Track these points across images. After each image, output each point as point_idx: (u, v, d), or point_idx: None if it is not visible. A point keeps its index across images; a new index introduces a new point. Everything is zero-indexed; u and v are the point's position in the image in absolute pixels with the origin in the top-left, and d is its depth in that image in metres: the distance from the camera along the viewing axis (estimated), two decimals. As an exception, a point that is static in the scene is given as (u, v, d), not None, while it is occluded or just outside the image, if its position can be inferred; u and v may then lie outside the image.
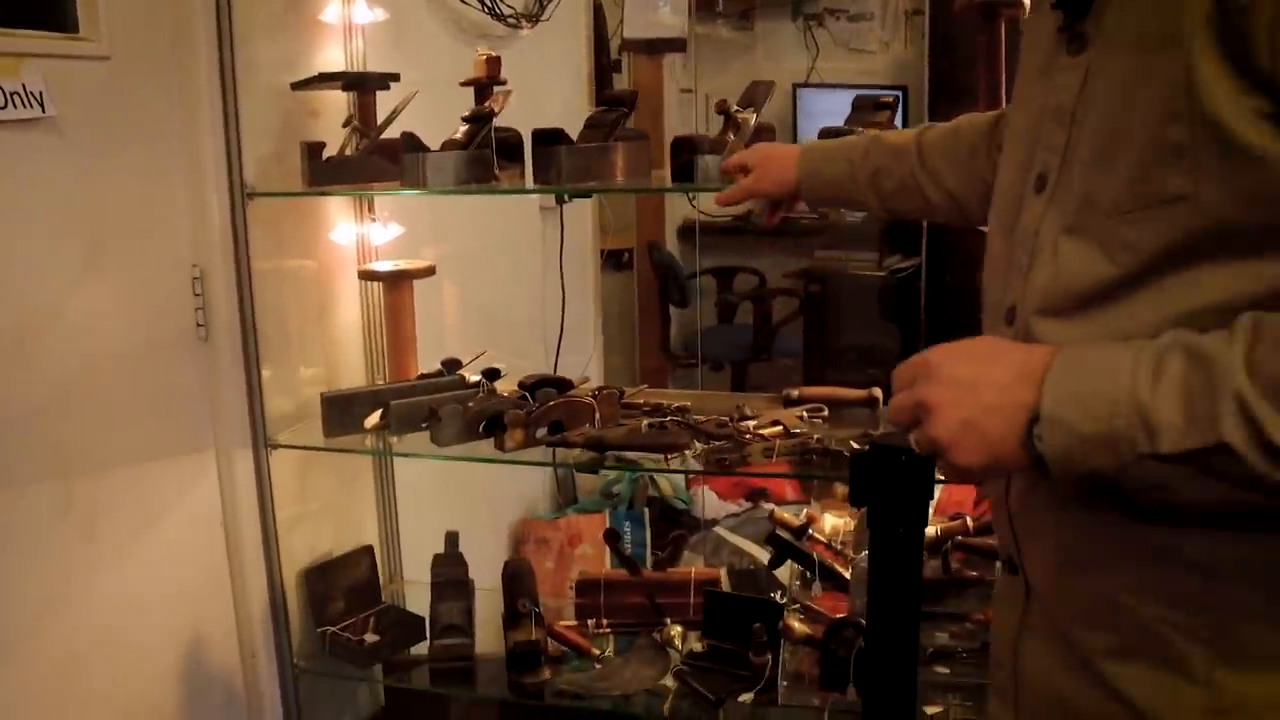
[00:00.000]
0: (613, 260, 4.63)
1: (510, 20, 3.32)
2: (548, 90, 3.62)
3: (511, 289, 3.44)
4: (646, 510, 3.40)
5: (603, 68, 4.27)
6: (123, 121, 1.95)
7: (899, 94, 5.09)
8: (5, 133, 1.70)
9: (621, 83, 4.56)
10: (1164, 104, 0.93)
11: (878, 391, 2.27)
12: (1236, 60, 0.89)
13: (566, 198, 3.73)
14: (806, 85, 5.49)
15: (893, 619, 1.15)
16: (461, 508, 2.87)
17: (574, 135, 2.20)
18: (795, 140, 5.06)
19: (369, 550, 2.53)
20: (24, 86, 1.71)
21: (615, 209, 4.54)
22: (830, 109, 5.16)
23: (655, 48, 4.73)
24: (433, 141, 2.20)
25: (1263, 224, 0.90)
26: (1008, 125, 1.23)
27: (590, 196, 4.01)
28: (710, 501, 3.47)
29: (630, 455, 2.16)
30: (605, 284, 4.41)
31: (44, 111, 1.75)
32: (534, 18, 3.49)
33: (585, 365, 3.74)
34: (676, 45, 4.83)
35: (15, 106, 1.69)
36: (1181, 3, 0.92)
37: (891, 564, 1.13)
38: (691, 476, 3.62)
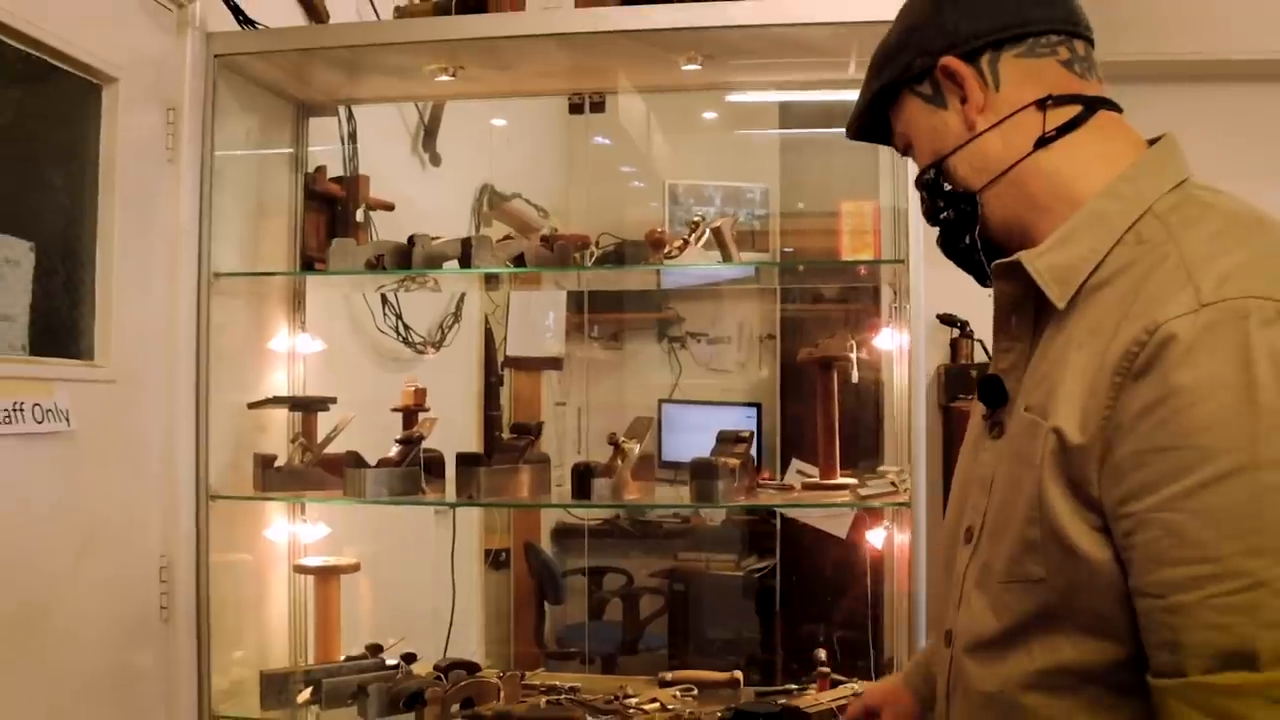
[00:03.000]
0: (492, 558, 5.01)
1: (419, 347, 3.82)
2: (446, 404, 4.09)
3: (409, 581, 3.80)
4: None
5: (490, 385, 4.79)
6: (118, 433, 2.33)
7: (755, 409, 5.73)
8: (39, 443, 2.08)
9: (504, 396, 5.06)
10: (1026, 509, 1.18)
11: (738, 674, 2.69)
12: (1073, 486, 1.13)
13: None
14: (671, 401, 6.05)
15: None
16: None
17: (465, 444, 2.64)
18: (660, 453, 5.61)
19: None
20: (55, 404, 2.11)
21: (497, 512, 4.95)
22: (693, 423, 5.75)
23: (534, 365, 5.27)
24: (357, 448, 2.64)
25: (1096, 611, 1.12)
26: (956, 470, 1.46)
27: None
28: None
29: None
30: (486, 581, 4.78)
31: (69, 425, 2.14)
32: (437, 344, 4.00)
33: (472, 654, 4.07)
34: (554, 364, 5.40)
35: (49, 421, 2.08)
36: (1038, 435, 1.17)
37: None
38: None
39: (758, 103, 5.35)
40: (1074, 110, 1.27)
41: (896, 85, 1.37)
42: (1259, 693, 1.00)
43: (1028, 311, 1.29)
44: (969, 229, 1.34)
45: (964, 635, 1.28)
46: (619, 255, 2.61)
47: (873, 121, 1.44)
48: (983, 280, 1.38)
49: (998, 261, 1.29)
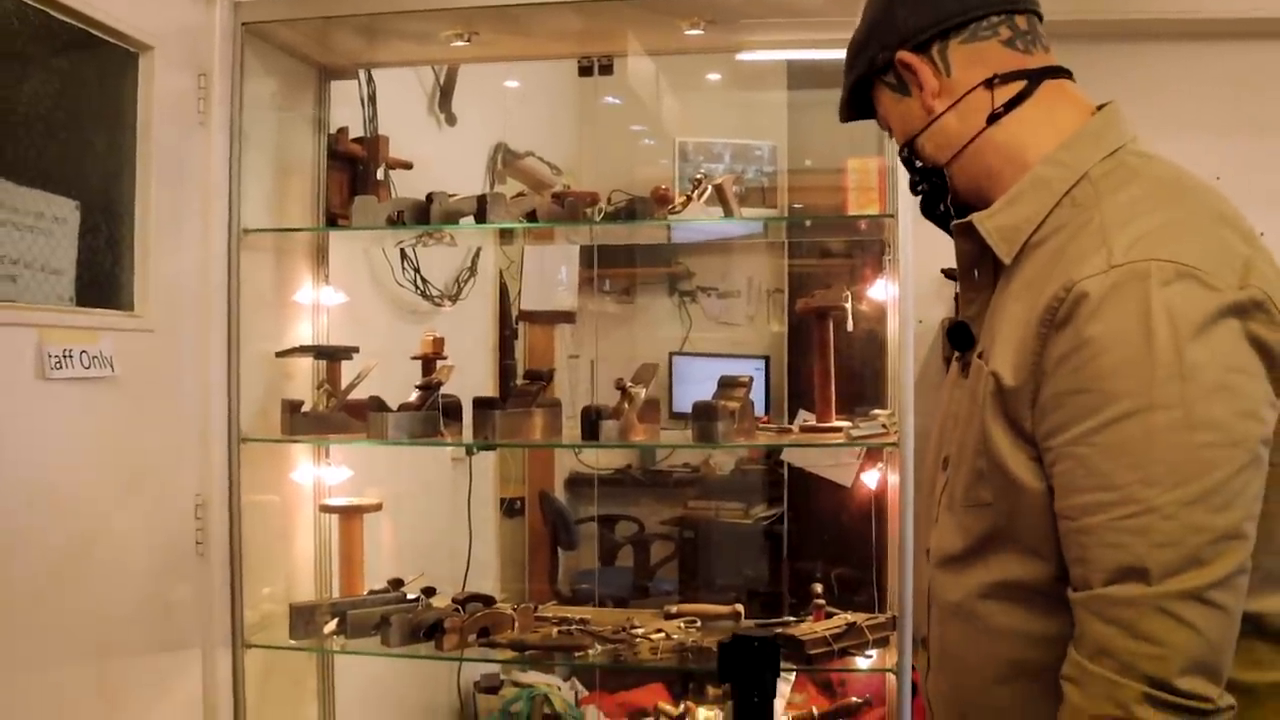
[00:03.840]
0: (507, 506, 5.18)
1: (436, 300, 3.97)
2: (462, 357, 4.24)
3: (428, 526, 3.97)
4: (544, 725, 3.87)
5: (505, 338, 4.94)
6: (156, 379, 2.50)
7: (763, 362, 5.87)
8: (86, 388, 2.25)
9: (519, 349, 5.21)
10: (975, 442, 1.34)
11: (739, 607, 2.86)
12: (1010, 422, 1.29)
13: (475, 450, 4.33)
14: (681, 354, 6.17)
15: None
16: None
17: (481, 392, 2.82)
18: (671, 404, 5.74)
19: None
20: (100, 352, 2.27)
21: (512, 461, 5.11)
22: (702, 375, 5.87)
23: (548, 319, 5.41)
24: (378, 394, 2.79)
25: (1034, 531, 1.28)
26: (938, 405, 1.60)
27: (495, 450, 4.62)
28: None
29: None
30: (501, 528, 4.95)
31: (113, 371, 2.30)
32: (454, 297, 4.15)
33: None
34: (567, 317, 5.53)
35: (95, 368, 2.25)
36: (981, 379, 1.34)
37: (749, 720, 1.67)
38: (583, 696, 4.11)
39: (765, 62, 5.44)
40: (1019, 85, 1.42)
41: (868, 77, 1.53)
42: (1148, 603, 1.16)
43: (988, 265, 1.44)
44: (942, 198, 1.51)
45: (936, 552, 1.46)
46: (629, 211, 2.74)
47: (859, 106, 1.59)
48: None
49: (955, 222, 1.46)
